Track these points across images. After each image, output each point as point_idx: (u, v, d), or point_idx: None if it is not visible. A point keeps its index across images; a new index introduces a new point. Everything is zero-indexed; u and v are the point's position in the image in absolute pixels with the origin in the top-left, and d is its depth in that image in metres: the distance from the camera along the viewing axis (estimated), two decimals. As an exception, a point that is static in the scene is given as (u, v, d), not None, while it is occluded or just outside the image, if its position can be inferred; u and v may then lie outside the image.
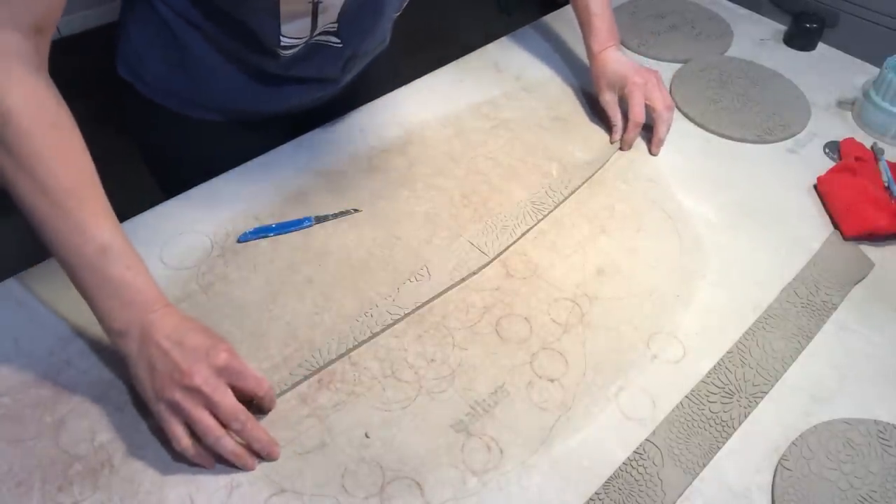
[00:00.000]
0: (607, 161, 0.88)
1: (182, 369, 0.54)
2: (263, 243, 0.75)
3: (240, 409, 0.55)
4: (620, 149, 0.90)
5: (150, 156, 0.96)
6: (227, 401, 0.55)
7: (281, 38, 0.73)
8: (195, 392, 0.54)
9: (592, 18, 0.93)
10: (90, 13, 1.62)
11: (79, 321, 0.67)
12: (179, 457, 0.57)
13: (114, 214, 0.57)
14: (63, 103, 0.57)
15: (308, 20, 0.72)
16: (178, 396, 0.54)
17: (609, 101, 0.91)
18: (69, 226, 0.55)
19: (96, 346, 0.65)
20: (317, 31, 0.75)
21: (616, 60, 0.91)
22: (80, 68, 2.15)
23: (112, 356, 0.64)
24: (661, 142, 0.89)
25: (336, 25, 0.76)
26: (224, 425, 0.55)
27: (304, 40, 0.75)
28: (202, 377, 0.54)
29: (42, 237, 0.56)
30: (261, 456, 0.58)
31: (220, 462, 0.57)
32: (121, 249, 0.56)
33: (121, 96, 0.87)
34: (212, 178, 0.82)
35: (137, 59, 0.82)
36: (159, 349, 0.55)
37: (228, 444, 0.55)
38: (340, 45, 0.79)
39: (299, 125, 0.91)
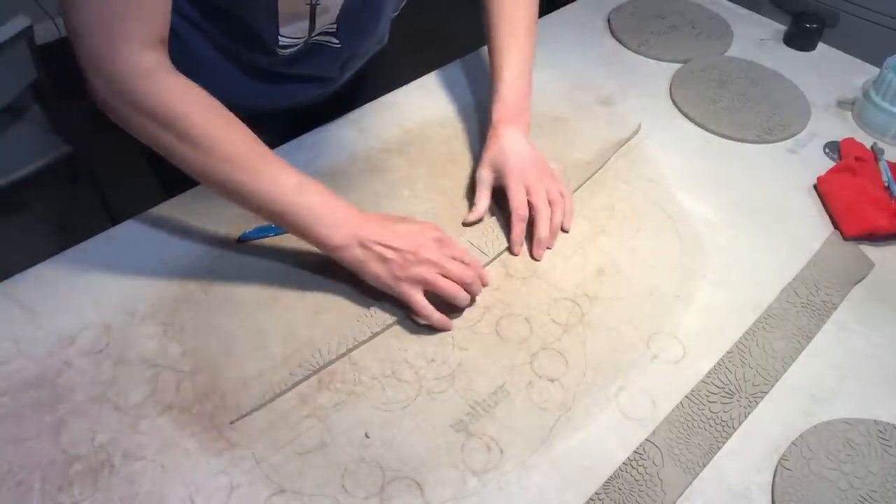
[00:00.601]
0: (607, 161, 0.88)
1: (412, 251, 0.66)
2: (263, 243, 0.75)
3: (465, 265, 0.68)
4: (510, 250, 0.77)
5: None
6: (454, 262, 0.67)
7: (279, 38, 0.73)
8: (428, 263, 0.66)
9: (501, 86, 0.82)
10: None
11: (79, 321, 0.67)
12: (423, 329, 0.68)
13: (288, 171, 0.66)
14: (206, 92, 0.65)
15: (306, 22, 0.72)
16: (416, 271, 0.66)
17: (485, 177, 0.79)
18: (264, 183, 0.64)
19: (96, 346, 0.65)
20: (315, 32, 0.75)
21: (506, 141, 0.79)
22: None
23: (112, 357, 0.64)
24: (541, 243, 0.75)
25: (335, 26, 0.76)
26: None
27: (302, 40, 0.75)
28: (429, 250, 0.66)
29: (245, 204, 0.66)
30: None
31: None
32: (310, 183, 0.66)
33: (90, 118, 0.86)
34: None
35: None
36: (383, 244, 0.66)
37: (466, 296, 0.68)
38: (339, 46, 0.79)
39: (298, 122, 0.91)
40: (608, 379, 0.66)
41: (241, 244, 0.75)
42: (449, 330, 0.68)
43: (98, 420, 0.60)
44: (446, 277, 0.67)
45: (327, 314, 0.69)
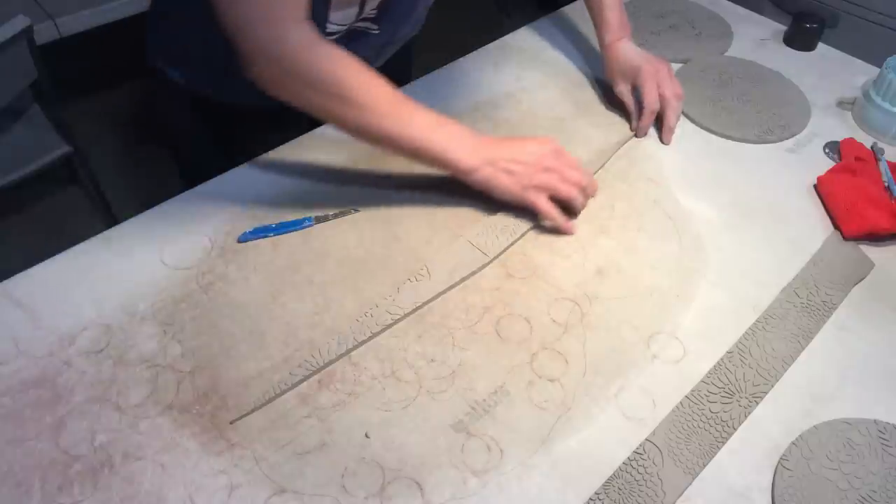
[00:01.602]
0: (607, 161, 0.88)
1: (534, 162, 0.75)
2: (263, 243, 0.75)
3: (581, 171, 0.78)
4: (635, 135, 0.93)
5: (178, 143, 1.00)
6: (574, 169, 0.77)
7: (327, 24, 0.76)
8: (550, 171, 0.76)
9: (605, 11, 0.95)
10: (98, 11, 1.64)
11: (79, 321, 0.67)
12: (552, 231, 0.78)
13: (423, 111, 0.74)
14: (347, 54, 0.70)
15: (356, 8, 0.75)
16: (540, 179, 0.75)
17: (623, 90, 0.94)
18: (408, 126, 0.72)
19: (96, 346, 0.65)
20: (360, 17, 0.77)
21: (627, 51, 0.94)
22: (81, 69, 2.15)
23: (112, 357, 0.64)
24: (671, 129, 0.92)
25: (375, 12, 0.78)
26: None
27: (346, 27, 0.78)
28: (549, 159, 0.76)
29: (390, 146, 0.74)
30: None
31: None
32: (444, 119, 0.74)
33: (149, 87, 0.94)
34: (235, 163, 0.84)
35: (172, 45, 0.85)
36: (509, 160, 0.75)
37: (583, 199, 0.78)
38: (377, 32, 0.82)
39: None
40: (608, 379, 0.66)
41: (241, 244, 0.75)
42: (572, 233, 0.78)
43: (98, 420, 0.60)
44: (565, 183, 0.76)
45: (327, 314, 0.69)
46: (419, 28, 0.94)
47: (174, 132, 1.02)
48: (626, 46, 0.94)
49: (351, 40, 0.81)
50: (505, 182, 0.75)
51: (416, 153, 0.74)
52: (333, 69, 0.69)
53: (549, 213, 0.76)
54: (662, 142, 0.92)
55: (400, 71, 1.01)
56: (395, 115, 0.71)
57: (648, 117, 0.91)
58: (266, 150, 0.87)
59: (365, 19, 0.79)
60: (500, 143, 0.76)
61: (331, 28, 0.76)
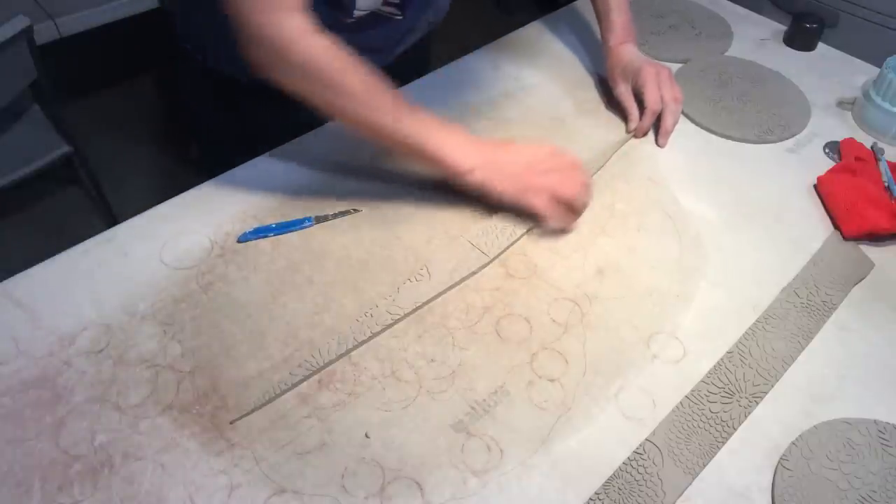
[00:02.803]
0: (607, 161, 0.88)
1: (533, 163, 0.75)
2: (263, 243, 0.75)
3: (581, 173, 0.77)
4: (634, 136, 0.93)
5: (202, 125, 1.03)
6: (574, 169, 0.76)
7: (354, 11, 0.78)
8: (549, 172, 0.75)
9: (610, 14, 0.96)
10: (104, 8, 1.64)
11: (79, 321, 0.67)
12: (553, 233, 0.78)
13: (415, 107, 0.73)
14: (345, 48, 0.70)
15: None
16: (540, 181, 0.74)
17: (623, 91, 0.94)
18: (398, 119, 0.71)
19: (96, 346, 0.65)
20: (386, 1, 0.79)
21: (630, 54, 0.95)
22: (81, 69, 2.15)
23: (112, 357, 0.64)
24: (667, 133, 0.92)
25: None
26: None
27: (372, 8, 0.79)
28: (548, 161, 0.76)
29: (383, 140, 0.73)
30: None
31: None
32: (439, 119, 0.73)
33: (177, 69, 0.96)
34: (258, 151, 0.86)
35: (201, 28, 0.86)
36: (508, 161, 0.75)
37: (585, 198, 0.76)
38: (401, 18, 0.83)
39: None
40: (608, 379, 0.66)
41: (241, 244, 0.75)
42: (571, 231, 0.78)
43: (98, 420, 0.60)
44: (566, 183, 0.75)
45: (327, 314, 0.69)
46: (442, 16, 0.95)
47: (198, 119, 1.04)
48: (629, 50, 0.95)
49: (377, 25, 0.83)
50: (504, 184, 0.74)
51: (409, 149, 0.73)
52: (328, 59, 0.69)
53: (551, 213, 0.75)
54: (658, 144, 0.92)
55: (418, 61, 1.02)
56: (389, 109, 0.71)
57: (650, 118, 0.91)
58: (288, 138, 0.88)
59: (390, 3, 0.80)
60: (498, 145, 0.76)
61: (357, 14, 0.78)
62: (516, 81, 1.01)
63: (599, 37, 0.99)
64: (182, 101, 1.04)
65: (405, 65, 0.96)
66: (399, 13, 0.83)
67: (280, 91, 0.88)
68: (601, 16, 0.98)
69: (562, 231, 0.78)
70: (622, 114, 0.95)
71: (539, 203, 0.75)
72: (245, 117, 0.95)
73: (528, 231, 0.78)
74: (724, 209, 0.83)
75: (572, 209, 0.77)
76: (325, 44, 0.69)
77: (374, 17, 0.81)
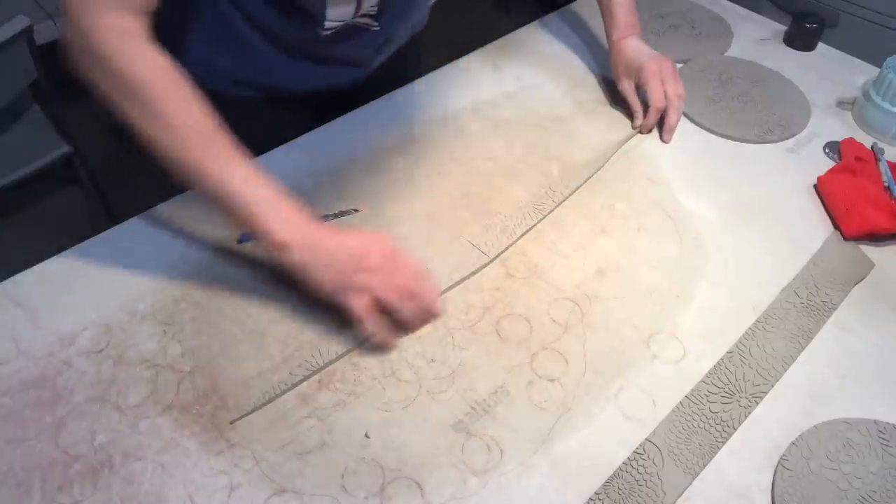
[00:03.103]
0: (607, 161, 0.88)
1: (357, 257, 0.62)
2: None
3: (418, 280, 0.64)
4: (640, 132, 0.93)
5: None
6: (406, 276, 0.63)
7: (326, 22, 0.75)
8: (373, 271, 0.62)
9: (613, 7, 0.95)
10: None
11: (79, 321, 0.67)
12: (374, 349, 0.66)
13: (241, 157, 0.64)
14: (176, 67, 0.63)
15: (353, 4, 0.74)
16: (360, 278, 0.62)
17: (627, 87, 0.94)
18: (216, 165, 0.62)
19: (96, 346, 0.65)
20: (359, 14, 0.77)
21: (633, 49, 0.93)
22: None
23: (112, 357, 0.64)
24: (672, 129, 0.91)
25: (376, 9, 0.78)
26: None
27: (345, 22, 0.77)
28: (376, 259, 0.62)
29: (191, 183, 0.63)
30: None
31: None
32: (263, 176, 0.63)
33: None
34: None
35: (178, 40, 0.83)
36: (330, 247, 0.63)
37: (414, 309, 0.64)
38: (377, 29, 0.81)
39: (329, 107, 0.93)
40: (608, 379, 0.66)
41: (241, 244, 0.75)
42: (390, 349, 0.65)
43: (98, 420, 0.60)
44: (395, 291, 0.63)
45: (327, 314, 0.69)
46: (422, 25, 0.94)
47: None
48: (633, 44, 0.94)
49: (353, 37, 0.81)
50: (319, 274, 0.63)
51: (221, 200, 0.62)
52: (142, 70, 0.60)
53: (365, 319, 0.63)
54: (663, 140, 0.92)
55: (409, 68, 1.01)
56: (220, 157, 0.62)
57: (654, 115, 0.91)
58: (275, 145, 0.87)
59: (364, 16, 0.79)
60: (325, 228, 0.64)
61: (329, 25, 0.76)
62: (516, 81, 1.01)
63: (599, 36, 0.99)
64: None
65: (386, 76, 0.94)
66: (375, 24, 0.80)
67: (267, 103, 0.86)
68: (604, 9, 0.97)
69: (384, 345, 0.66)
70: (626, 111, 0.95)
71: (355, 305, 0.62)
72: (228, 124, 0.92)
73: (528, 231, 0.78)
74: (724, 209, 0.83)
75: (398, 322, 0.65)
76: (149, 55, 0.62)
77: (349, 29, 0.79)
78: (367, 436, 0.60)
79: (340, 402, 0.63)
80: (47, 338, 0.66)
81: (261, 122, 0.88)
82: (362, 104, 0.93)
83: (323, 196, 0.81)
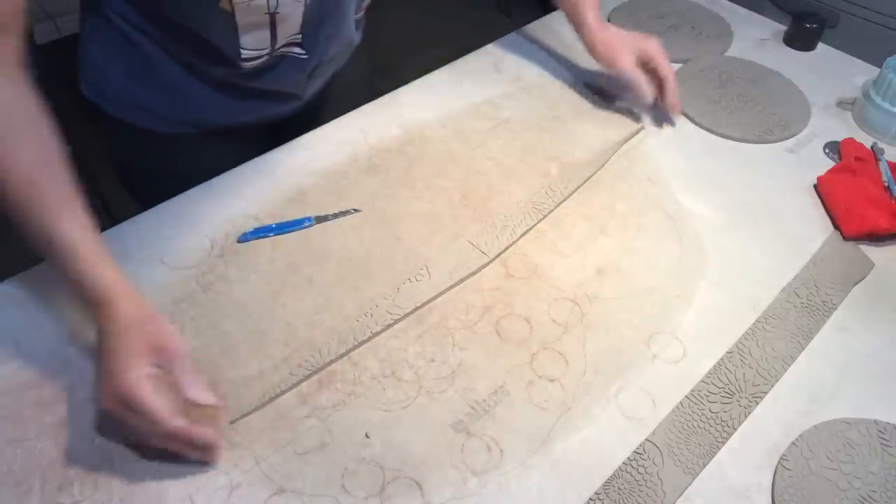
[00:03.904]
0: (607, 161, 0.88)
1: (102, 387, 0.54)
2: (263, 243, 0.75)
3: (154, 412, 0.52)
4: (669, 112, 0.93)
5: (123, 173, 0.95)
6: (145, 416, 0.52)
7: (241, 50, 0.73)
8: (115, 419, 0.54)
9: (578, 6, 0.92)
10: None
11: (79, 321, 0.67)
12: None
13: (76, 206, 0.57)
14: (34, 99, 0.57)
15: (267, 31, 0.72)
16: (111, 404, 0.54)
17: (630, 64, 0.89)
18: (32, 214, 0.55)
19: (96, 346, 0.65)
20: (280, 44, 0.75)
21: (619, 31, 0.92)
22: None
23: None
24: (676, 105, 0.92)
25: (300, 36, 0.76)
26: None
27: (266, 52, 0.75)
28: (110, 402, 0.53)
29: (24, 227, 0.56)
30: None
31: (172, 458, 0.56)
32: (71, 245, 0.55)
33: (88, 118, 0.85)
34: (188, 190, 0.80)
35: (99, 75, 0.81)
36: (100, 353, 0.55)
37: (182, 447, 0.54)
38: (306, 56, 0.79)
39: (269, 138, 0.90)
40: (608, 379, 0.66)
41: (241, 244, 0.75)
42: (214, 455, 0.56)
43: (98, 420, 0.60)
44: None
45: (327, 314, 0.69)
46: (354, 46, 0.91)
47: (118, 164, 0.94)
48: (614, 29, 0.92)
49: (280, 66, 0.79)
50: (99, 358, 0.56)
51: (50, 253, 0.56)
52: None
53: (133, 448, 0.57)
54: (671, 118, 0.93)
55: (359, 85, 0.98)
56: (43, 191, 0.56)
57: (673, 85, 0.90)
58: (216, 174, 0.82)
59: (290, 44, 0.76)
60: (128, 326, 0.55)
61: (246, 54, 0.73)
62: (516, 81, 1.01)
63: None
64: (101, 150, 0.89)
65: (331, 102, 0.92)
66: (302, 51, 0.77)
67: (201, 138, 0.82)
68: (569, 9, 0.93)
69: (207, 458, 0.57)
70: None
71: (102, 404, 0.55)
72: (164, 162, 0.87)
73: (528, 231, 0.78)
74: (725, 209, 0.83)
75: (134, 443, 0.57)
76: (7, 89, 0.55)
77: (276, 59, 0.77)
78: (367, 436, 0.60)
79: (340, 402, 0.63)
80: (47, 338, 0.66)
81: (197, 159, 0.85)
82: (305, 132, 0.89)
83: (323, 196, 0.81)
